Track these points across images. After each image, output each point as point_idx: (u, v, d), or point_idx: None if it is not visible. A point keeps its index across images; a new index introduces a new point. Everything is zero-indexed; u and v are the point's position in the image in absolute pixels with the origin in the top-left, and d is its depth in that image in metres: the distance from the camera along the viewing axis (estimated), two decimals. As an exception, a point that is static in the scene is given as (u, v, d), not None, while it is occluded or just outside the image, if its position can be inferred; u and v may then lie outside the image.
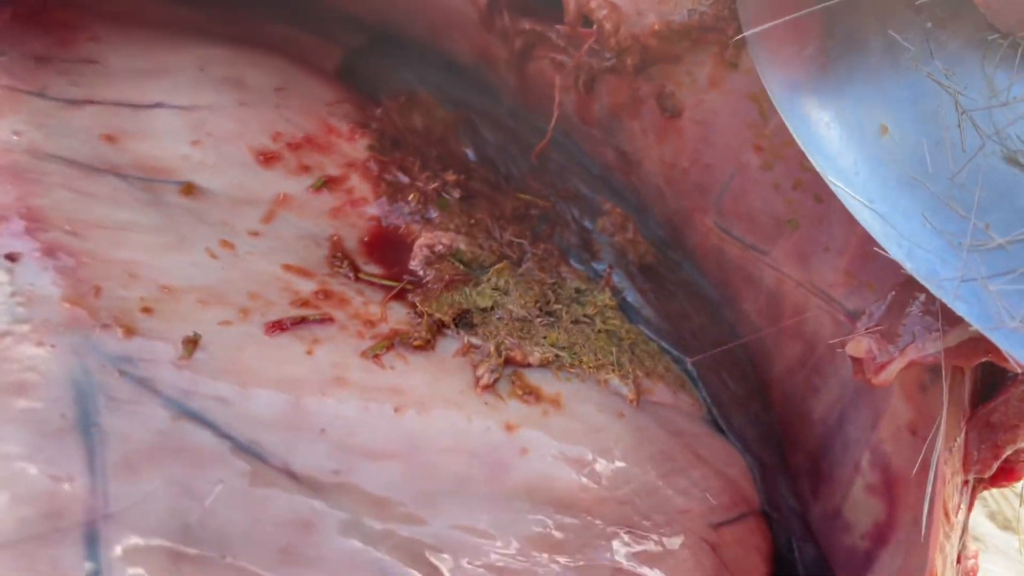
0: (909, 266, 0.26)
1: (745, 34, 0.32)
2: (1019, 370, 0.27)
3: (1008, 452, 0.33)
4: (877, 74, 0.30)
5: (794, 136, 0.30)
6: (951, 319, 0.30)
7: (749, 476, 0.40)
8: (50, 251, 0.34)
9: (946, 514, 0.30)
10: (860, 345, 0.30)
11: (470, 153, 0.49)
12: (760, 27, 0.31)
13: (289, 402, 0.32)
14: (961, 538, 0.33)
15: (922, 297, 0.31)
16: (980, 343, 0.29)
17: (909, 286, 0.32)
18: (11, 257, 0.33)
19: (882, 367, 0.30)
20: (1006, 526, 0.56)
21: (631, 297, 0.45)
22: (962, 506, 0.32)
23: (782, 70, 0.31)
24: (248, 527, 0.28)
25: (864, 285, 0.40)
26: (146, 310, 0.34)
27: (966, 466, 0.32)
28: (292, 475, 0.30)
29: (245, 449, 0.30)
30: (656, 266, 0.48)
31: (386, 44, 0.59)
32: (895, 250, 0.27)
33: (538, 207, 0.48)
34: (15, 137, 0.39)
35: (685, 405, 0.40)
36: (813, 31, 0.31)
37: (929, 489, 0.30)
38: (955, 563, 0.32)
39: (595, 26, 0.43)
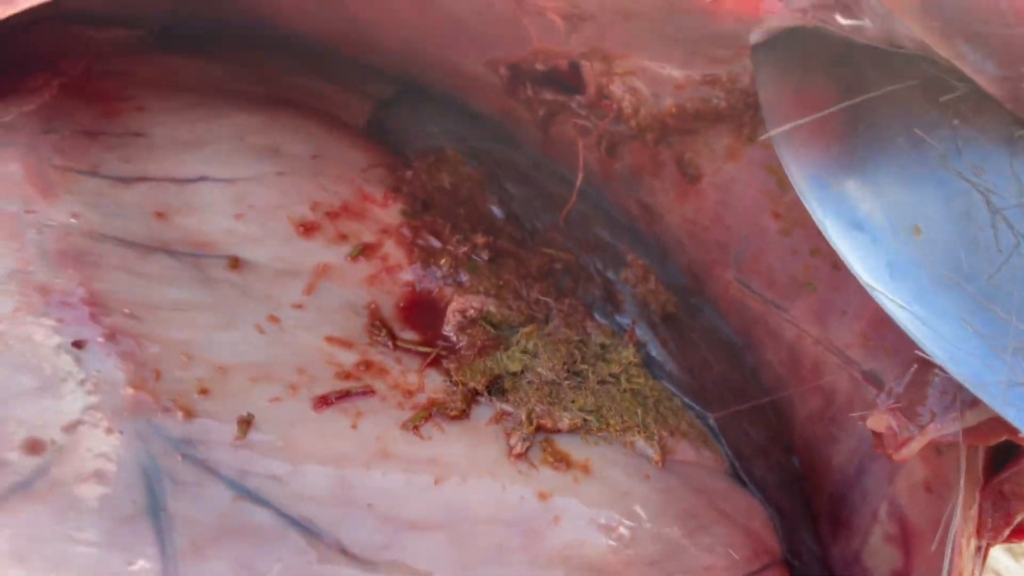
0: (953, 370, 0.27)
1: (769, 133, 0.33)
2: None
3: (1020, 518, 0.35)
4: (905, 173, 0.31)
5: (826, 236, 0.31)
6: (969, 400, 0.31)
7: (771, 527, 0.42)
8: (112, 336, 0.37)
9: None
10: (881, 421, 0.32)
11: (496, 210, 0.52)
12: (784, 127, 0.33)
13: (338, 478, 0.35)
14: None
15: (941, 375, 0.32)
16: (999, 424, 0.31)
17: (929, 362, 0.33)
18: (78, 344, 0.36)
19: (902, 444, 0.31)
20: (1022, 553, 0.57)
21: (654, 351, 0.47)
22: (976, 571, 0.34)
23: (809, 169, 0.32)
24: (306, 604, 0.31)
25: (880, 348, 0.41)
26: (203, 391, 0.36)
27: (980, 533, 0.34)
28: (344, 551, 0.33)
29: (300, 526, 0.33)
30: (678, 315, 0.51)
31: (413, 95, 0.61)
32: (936, 352, 0.28)
33: (562, 261, 0.50)
34: (73, 220, 0.42)
35: (708, 461, 0.42)
36: (838, 129, 0.33)
37: (946, 565, 0.32)
38: None
39: (615, 105, 0.45)
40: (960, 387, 0.31)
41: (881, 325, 0.43)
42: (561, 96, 0.48)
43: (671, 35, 0.39)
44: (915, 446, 0.31)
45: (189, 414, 0.35)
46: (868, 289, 0.30)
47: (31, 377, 0.35)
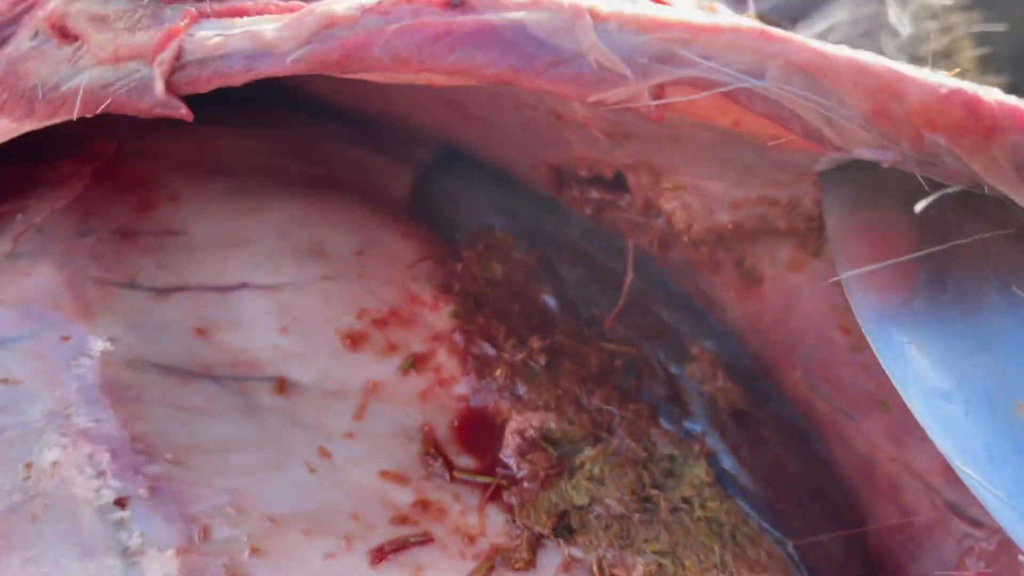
0: None
1: (840, 277, 0.30)
2: None
3: None
4: (1003, 337, 0.28)
5: (908, 404, 0.28)
6: None
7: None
8: (156, 489, 0.35)
9: None
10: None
11: (550, 300, 0.49)
12: (856, 271, 0.29)
13: (400, 651, 0.32)
14: None
15: None
16: None
17: None
18: (121, 503, 0.34)
19: None
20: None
21: (726, 462, 0.44)
22: None
23: (888, 324, 0.29)
24: None
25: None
26: (255, 550, 0.34)
27: None
28: None
29: None
30: (748, 410, 0.48)
31: (457, 160, 0.58)
32: None
33: (623, 356, 0.47)
34: (112, 346, 0.39)
35: (789, 594, 0.39)
36: (919, 278, 0.29)
37: None
38: None
39: (664, 221, 0.41)
40: None
41: None
42: (609, 195, 0.45)
43: (725, 157, 0.36)
44: None
45: (241, 582, 0.33)
46: (960, 474, 0.27)
47: (73, 545, 0.33)
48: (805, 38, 0.25)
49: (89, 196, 0.47)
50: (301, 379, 0.41)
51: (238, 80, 0.32)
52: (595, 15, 0.26)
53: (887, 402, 0.43)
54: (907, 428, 0.42)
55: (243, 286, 0.44)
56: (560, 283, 0.50)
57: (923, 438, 0.42)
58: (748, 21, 0.27)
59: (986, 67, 0.77)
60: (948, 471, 0.41)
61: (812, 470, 0.47)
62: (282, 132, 0.56)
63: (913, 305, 0.29)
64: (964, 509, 0.41)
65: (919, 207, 0.28)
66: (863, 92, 0.25)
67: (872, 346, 0.29)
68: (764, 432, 0.47)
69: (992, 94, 0.25)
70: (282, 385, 0.40)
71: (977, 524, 0.40)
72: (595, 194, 0.45)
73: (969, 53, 0.75)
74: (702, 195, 0.40)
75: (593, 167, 0.43)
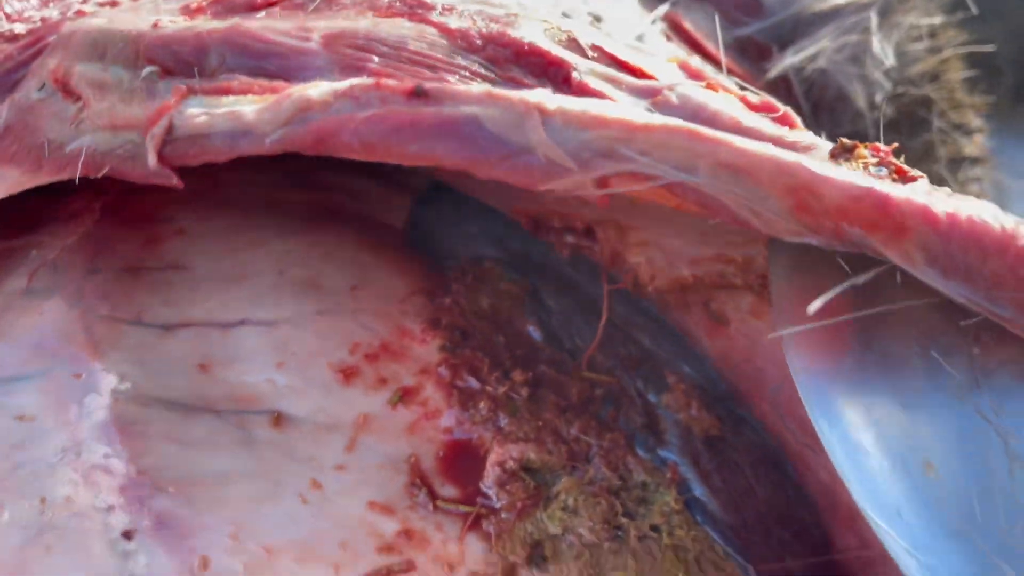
0: None
1: (778, 334, 0.32)
2: None
3: None
4: (920, 400, 0.30)
5: (831, 457, 0.30)
6: None
7: None
8: (161, 522, 0.38)
9: None
10: None
11: (534, 332, 0.51)
12: (791, 330, 0.32)
13: (382, 675, 0.35)
14: None
15: None
16: None
17: None
18: (127, 535, 0.37)
19: None
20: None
21: (697, 489, 0.47)
22: None
23: (817, 379, 0.31)
24: None
25: None
26: (250, 580, 0.37)
27: None
28: None
29: None
30: (722, 436, 0.50)
31: (451, 191, 0.60)
32: None
33: (603, 385, 0.50)
34: (119, 383, 0.42)
35: (750, 619, 0.42)
36: (851, 340, 0.32)
37: None
38: None
39: (631, 275, 0.44)
40: None
41: None
42: (584, 241, 0.48)
43: (682, 222, 0.38)
44: None
45: (237, 610, 0.36)
46: (873, 525, 0.29)
47: (83, 574, 0.36)
48: (732, 137, 0.27)
49: (97, 233, 0.50)
50: (296, 413, 0.44)
51: (222, 157, 0.34)
52: (542, 111, 0.28)
53: None
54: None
55: (243, 322, 0.46)
56: (545, 314, 0.53)
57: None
58: (679, 122, 0.29)
59: (974, 88, 0.79)
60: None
61: (782, 494, 0.50)
62: (287, 163, 0.59)
63: (842, 365, 0.31)
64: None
65: (855, 280, 0.30)
66: (783, 190, 0.27)
67: (803, 401, 0.31)
68: (736, 457, 0.50)
69: (902, 192, 0.27)
70: (278, 419, 0.43)
71: None
72: (570, 239, 0.48)
73: (957, 74, 0.77)
74: (664, 251, 0.43)
75: (565, 220, 0.45)
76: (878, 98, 0.74)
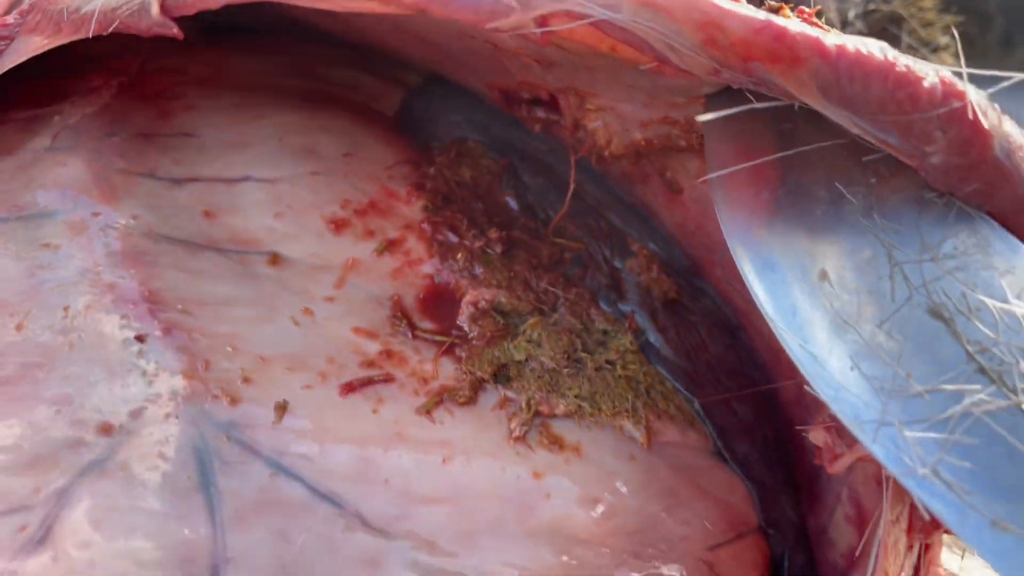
0: (834, 408, 0.30)
1: (709, 176, 0.36)
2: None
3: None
4: (821, 223, 0.34)
5: (741, 272, 0.34)
6: None
7: (749, 500, 0.47)
8: (169, 330, 0.43)
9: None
10: (819, 436, 0.36)
11: (512, 201, 0.56)
12: (720, 172, 0.36)
13: (360, 457, 0.40)
14: None
15: None
16: None
17: None
18: (140, 338, 0.42)
19: (835, 458, 0.36)
20: None
21: (652, 337, 0.52)
22: (907, 567, 0.38)
23: (736, 212, 0.35)
24: (330, 566, 0.37)
25: None
26: (246, 380, 0.42)
27: (910, 532, 0.38)
28: (363, 520, 0.39)
29: (327, 500, 0.39)
30: (679, 299, 0.55)
31: (442, 85, 0.65)
32: (824, 390, 0.30)
33: (572, 251, 0.54)
34: (133, 221, 0.47)
35: (692, 441, 0.47)
36: (769, 179, 0.36)
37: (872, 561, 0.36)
38: None
39: (590, 139, 0.48)
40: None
41: None
42: (551, 115, 0.52)
43: (629, 83, 0.42)
44: (845, 462, 0.35)
45: (234, 400, 0.41)
46: (771, 324, 0.32)
47: (103, 368, 0.41)
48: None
49: (115, 105, 0.55)
50: (291, 255, 0.48)
51: (214, 4, 0.39)
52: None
53: None
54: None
55: (246, 179, 0.51)
56: (522, 188, 0.57)
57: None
58: None
59: (945, 7, 0.82)
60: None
61: (732, 354, 0.55)
62: (287, 55, 0.64)
63: (760, 198, 0.35)
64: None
65: (730, 111, 0.34)
66: (693, 25, 0.31)
67: (724, 234, 0.35)
68: (693, 319, 0.55)
69: (798, 27, 0.31)
70: (275, 259, 0.48)
71: None
72: (541, 113, 0.52)
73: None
74: (618, 116, 0.47)
75: (532, 90, 0.50)
76: (851, 14, 0.78)
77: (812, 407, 0.50)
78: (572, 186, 0.52)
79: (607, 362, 0.48)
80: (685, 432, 0.47)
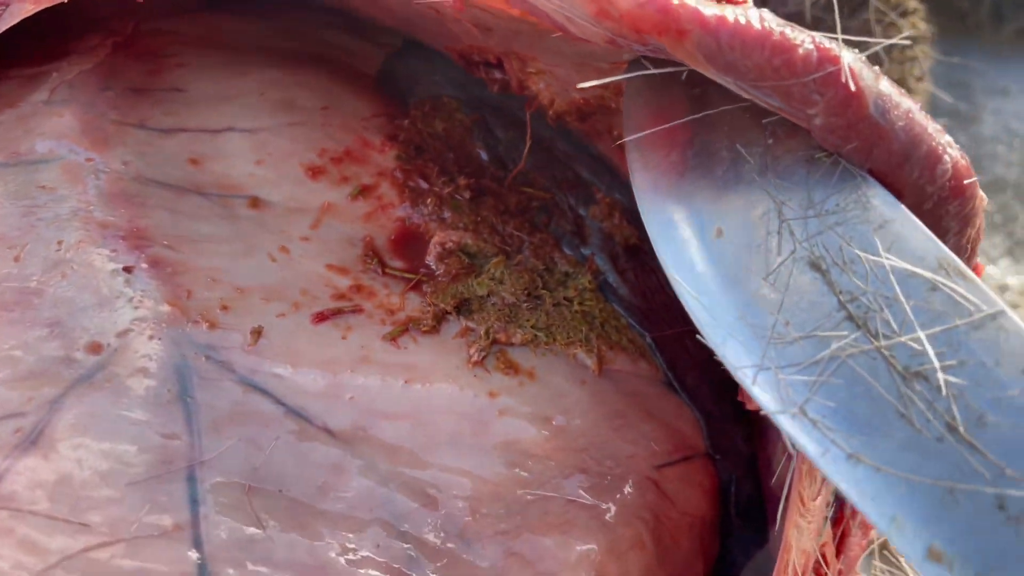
0: (720, 353, 0.32)
1: (625, 140, 0.38)
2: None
3: None
4: (720, 182, 0.36)
5: (647, 229, 0.36)
6: None
7: (697, 427, 0.50)
8: (154, 263, 0.46)
9: (801, 499, 0.38)
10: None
11: (483, 154, 0.59)
12: (635, 135, 0.38)
13: (328, 377, 0.44)
14: (823, 535, 0.41)
15: None
16: None
17: None
18: (128, 269, 0.46)
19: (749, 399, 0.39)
20: None
21: (611, 279, 0.55)
22: (822, 493, 0.40)
23: (648, 172, 0.37)
24: (297, 470, 0.41)
25: None
26: (224, 307, 0.46)
27: None
28: (329, 432, 0.42)
29: (295, 413, 0.42)
30: (640, 246, 0.58)
31: (417, 47, 0.68)
32: (713, 337, 0.33)
33: (539, 199, 0.58)
34: (124, 167, 0.51)
35: (643, 371, 0.50)
36: (678, 142, 0.37)
37: (787, 486, 0.39)
38: (816, 550, 0.39)
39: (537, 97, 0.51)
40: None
41: None
42: (505, 76, 0.55)
43: (555, 49, 0.45)
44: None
45: (213, 325, 0.44)
46: (669, 278, 0.35)
47: (92, 295, 0.44)
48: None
49: (109, 62, 0.59)
50: (270, 198, 0.52)
51: None
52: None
53: None
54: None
55: (229, 129, 0.55)
56: (494, 141, 0.61)
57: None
58: None
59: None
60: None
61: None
62: (276, 19, 0.67)
63: (669, 160, 0.38)
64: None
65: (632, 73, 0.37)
66: None
67: (636, 197, 0.38)
68: (652, 264, 0.58)
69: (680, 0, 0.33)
70: (255, 202, 0.51)
71: None
72: (496, 75, 0.55)
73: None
74: (557, 78, 0.50)
75: (480, 53, 0.53)
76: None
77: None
78: (529, 141, 0.55)
79: (565, 299, 0.51)
80: (636, 362, 0.50)
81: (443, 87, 0.65)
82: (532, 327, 0.48)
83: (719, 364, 0.56)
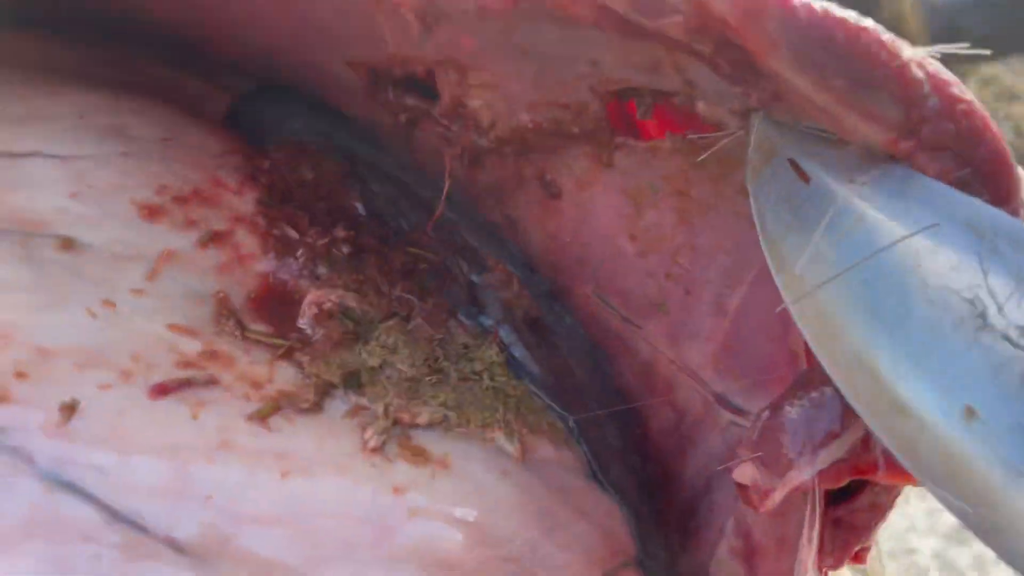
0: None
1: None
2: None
3: (856, 548, 0.36)
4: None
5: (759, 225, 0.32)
6: (819, 442, 0.32)
7: (627, 528, 0.42)
8: (-86, 312, 0.33)
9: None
10: (745, 473, 0.32)
11: (359, 207, 0.50)
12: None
13: (173, 469, 0.32)
14: None
15: (793, 416, 0.32)
16: (845, 467, 0.32)
17: (779, 407, 0.33)
18: None
19: (766, 494, 0.31)
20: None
21: (518, 352, 0.47)
22: None
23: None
24: (128, 603, 0.28)
25: (730, 372, 0.42)
26: (19, 375, 0.33)
27: (820, 560, 0.35)
28: (175, 544, 0.30)
29: (125, 520, 0.30)
30: (542, 319, 0.50)
31: (275, 91, 0.58)
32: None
33: (427, 261, 0.49)
34: None
35: (567, 460, 0.42)
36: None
37: None
38: None
39: (471, 119, 0.44)
40: (811, 432, 0.32)
41: (731, 350, 0.44)
42: (423, 103, 0.47)
43: (521, 45, 0.39)
44: (778, 496, 0.31)
45: (3, 399, 0.31)
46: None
47: None
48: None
49: None
50: (89, 241, 0.40)
51: None
52: None
53: (665, 304, 0.47)
54: (682, 329, 0.46)
55: (35, 154, 0.42)
56: (370, 194, 0.52)
57: (694, 335, 0.46)
58: None
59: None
60: (716, 365, 0.45)
61: (599, 385, 0.51)
62: (97, 48, 0.55)
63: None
64: (729, 399, 0.45)
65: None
66: None
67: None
68: (557, 341, 0.50)
69: None
70: (68, 243, 0.39)
71: (740, 411, 0.44)
72: (410, 101, 0.47)
73: None
74: (504, 95, 0.43)
75: (405, 65, 0.45)
76: None
77: (689, 440, 0.47)
78: (448, 183, 0.47)
79: (473, 373, 0.42)
80: (560, 449, 0.42)
81: (303, 136, 0.55)
82: (440, 404, 0.38)
83: (637, 457, 0.49)
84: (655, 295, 0.47)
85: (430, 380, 0.40)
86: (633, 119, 0.42)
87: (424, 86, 0.46)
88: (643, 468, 0.48)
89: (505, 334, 0.47)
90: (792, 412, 0.33)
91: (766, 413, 0.34)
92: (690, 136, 0.39)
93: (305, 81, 0.56)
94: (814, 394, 0.34)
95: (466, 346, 0.44)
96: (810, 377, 0.34)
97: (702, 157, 0.39)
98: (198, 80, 0.57)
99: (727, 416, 0.45)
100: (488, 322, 0.47)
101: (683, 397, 0.47)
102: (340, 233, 0.45)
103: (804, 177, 0.32)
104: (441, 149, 0.48)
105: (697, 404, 0.46)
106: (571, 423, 0.44)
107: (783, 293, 0.32)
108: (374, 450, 0.35)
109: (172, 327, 0.38)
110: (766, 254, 0.33)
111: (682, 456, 0.47)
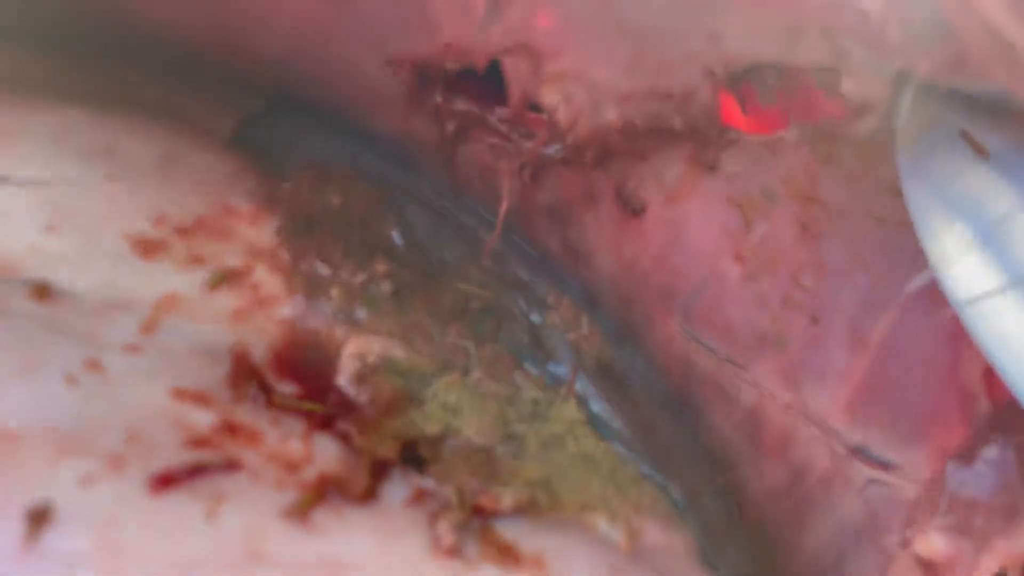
0: None
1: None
2: None
3: None
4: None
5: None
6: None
7: (754, 627, 0.33)
8: None
9: None
10: (934, 545, 0.24)
11: (396, 237, 0.42)
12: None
13: (185, 596, 0.23)
14: None
15: (987, 472, 0.25)
16: None
17: (968, 458, 0.26)
18: None
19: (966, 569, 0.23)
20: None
21: (596, 407, 0.38)
22: None
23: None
24: None
25: (873, 418, 0.34)
26: (-26, 469, 0.24)
27: None
28: None
29: None
30: (614, 367, 0.42)
31: (286, 109, 0.50)
32: None
33: (480, 299, 0.41)
34: None
35: (678, 545, 0.33)
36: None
37: None
38: None
39: (547, 116, 0.36)
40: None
41: (874, 391, 0.36)
42: (477, 107, 0.39)
43: (615, 19, 0.31)
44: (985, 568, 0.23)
45: (-52, 505, 0.23)
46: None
47: None
48: None
49: None
50: (70, 286, 0.31)
51: None
52: None
53: (783, 337, 0.38)
54: (805, 367, 0.38)
55: (3, 180, 0.34)
56: (407, 224, 0.43)
57: (822, 376, 0.38)
58: None
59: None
60: (852, 410, 0.37)
61: (686, 439, 0.42)
62: (78, 61, 0.47)
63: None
64: (871, 450, 0.36)
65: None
66: None
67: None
68: (634, 393, 0.42)
69: None
70: (42, 290, 0.31)
71: (888, 466, 0.36)
72: (462, 104, 0.39)
73: None
74: (588, 86, 0.35)
75: (463, 56, 0.37)
76: None
77: (809, 504, 0.38)
78: (506, 203, 0.39)
79: (553, 436, 0.33)
80: (669, 532, 0.33)
81: (327, 156, 0.47)
82: (524, 483, 0.30)
83: (760, 531, 0.40)
84: (767, 327, 0.39)
85: (505, 451, 0.31)
86: (744, 109, 0.34)
87: (479, 86, 0.38)
88: (752, 544, 0.39)
89: (581, 385, 0.39)
90: (985, 467, 0.26)
91: (952, 466, 0.26)
92: (824, 122, 0.31)
93: (323, 95, 0.48)
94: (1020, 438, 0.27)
95: (536, 402, 0.36)
96: (1005, 419, 0.27)
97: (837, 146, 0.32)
98: (199, 98, 0.49)
99: (866, 472, 0.37)
100: (559, 370, 0.39)
101: (802, 452, 0.39)
102: (380, 267, 0.37)
103: (981, 151, 0.26)
104: (496, 164, 0.40)
105: (822, 459, 0.38)
106: (674, 494, 0.35)
107: (951, 293, 0.25)
108: (451, 550, 0.27)
109: (177, 393, 0.29)
110: (926, 247, 0.27)
111: (799, 527, 0.39)
